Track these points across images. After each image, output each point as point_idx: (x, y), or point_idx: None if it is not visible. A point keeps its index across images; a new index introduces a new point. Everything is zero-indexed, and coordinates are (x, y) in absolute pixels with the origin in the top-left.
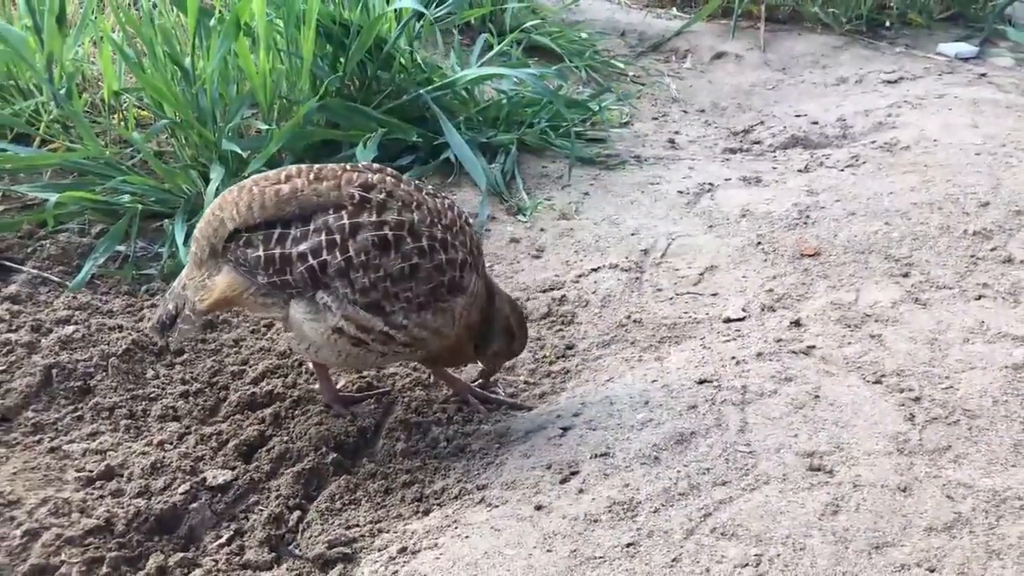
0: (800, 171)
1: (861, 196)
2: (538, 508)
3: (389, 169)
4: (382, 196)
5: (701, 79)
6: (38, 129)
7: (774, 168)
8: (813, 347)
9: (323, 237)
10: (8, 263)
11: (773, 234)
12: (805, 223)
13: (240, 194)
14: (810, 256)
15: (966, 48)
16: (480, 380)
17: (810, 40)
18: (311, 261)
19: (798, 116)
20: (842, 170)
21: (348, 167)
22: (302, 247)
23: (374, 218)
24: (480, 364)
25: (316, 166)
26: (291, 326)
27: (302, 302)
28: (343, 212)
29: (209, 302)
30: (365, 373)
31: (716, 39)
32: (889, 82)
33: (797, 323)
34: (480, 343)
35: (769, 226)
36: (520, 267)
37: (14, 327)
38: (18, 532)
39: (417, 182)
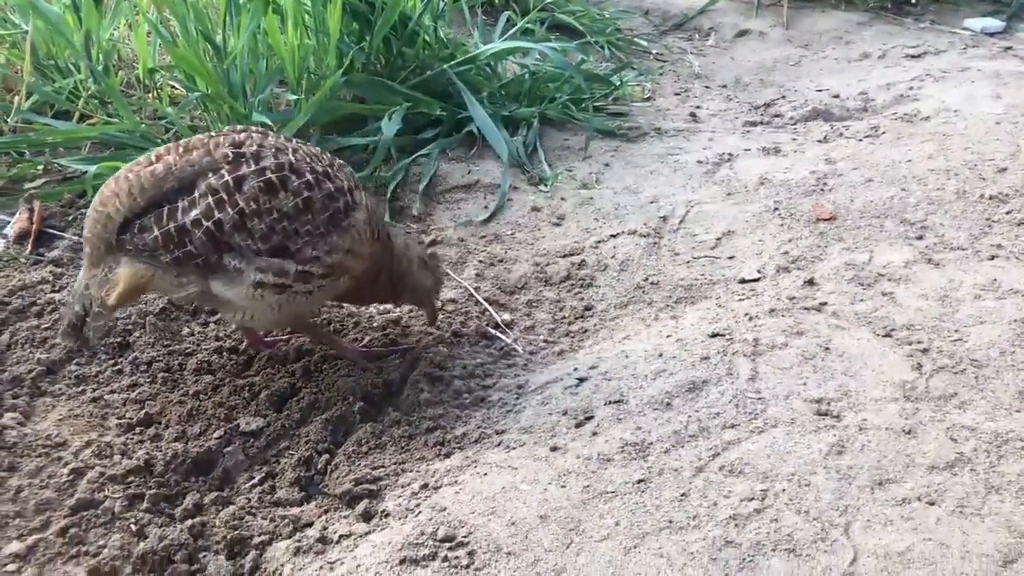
0: (819, 141)
1: (879, 164)
2: (553, 449)
3: (253, 127)
4: (254, 148)
5: (724, 56)
6: (77, 105)
7: (793, 139)
8: (825, 304)
9: (210, 199)
10: (51, 230)
11: (790, 200)
12: (822, 190)
13: (118, 184)
14: (826, 220)
15: (992, 23)
16: (427, 322)
17: (834, 17)
18: (206, 224)
19: (820, 91)
20: (861, 140)
21: (212, 133)
22: (193, 214)
23: (253, 167)
24: (414, 309)
25: (182, 140)
26: (215, 301)
27: (219, 275)
28: (222, 171)
29: (117, 294)
30: (389, 334)
31: (739, 17)
32: (913, 56)
33: (811, 282)
34: (397, 283)
35: (787, 193)
36: (541, 234)
37: (57, 288)
38: (65, 470)
39: (285, 136)
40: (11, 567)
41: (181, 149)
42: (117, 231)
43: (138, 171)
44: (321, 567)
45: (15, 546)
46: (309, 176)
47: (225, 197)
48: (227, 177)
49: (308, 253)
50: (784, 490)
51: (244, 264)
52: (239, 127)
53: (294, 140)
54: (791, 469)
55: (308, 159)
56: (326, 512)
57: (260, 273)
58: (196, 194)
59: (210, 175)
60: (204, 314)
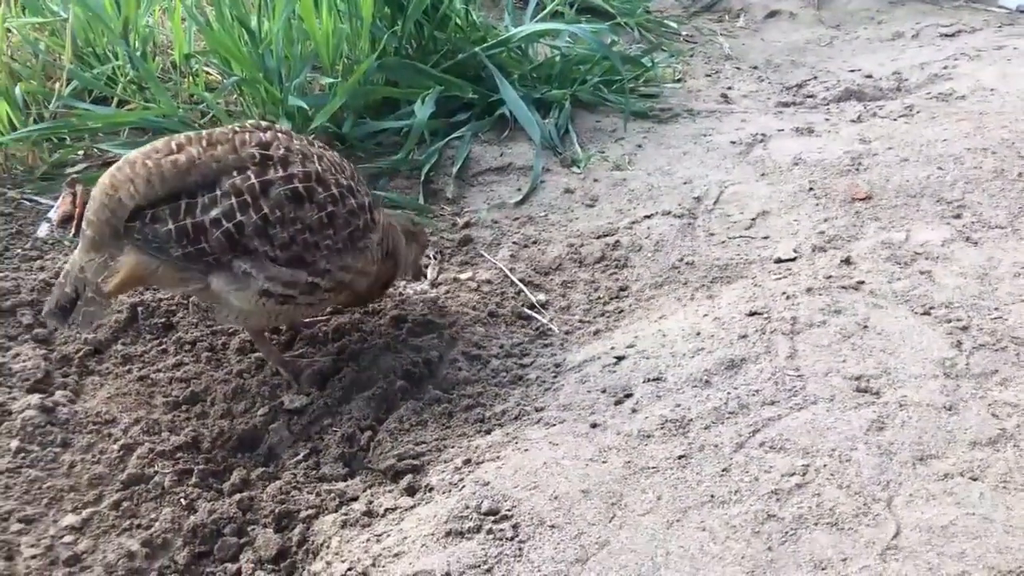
0: (853, 121)
1: (914, 143)
2: (593, 426)
3: (278, 126)
4: (281, 151)
5: (754, 37)
6: (115, 91)
7: (827, 119)
8: (863, 283)
9: (234, 200)
10: None
11: (825, 180)
12: (857, 169)
13: (133, 170)
14: (861, 200)
15: None
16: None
17: None
18: (226, 224)
19: (852, 71)
20: (895, 120)
21: (237, 128)
22: (214, 213)
23: (281, 172)
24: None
25: (204, 132)
26: (214, 298)
27: (222, 274)
28: (248, 172)
29: (116, 283)
30: (427, 315)
31: None
32: (946, 35)
33: (847, 261)
34: (393, 268)
35: (821, 173)
36: (575, 216)
37: None
38: (115, 446)
39: (309, 137)
40: (68, 539)
41: (205, 142)
42: (127, 218)
43: (158, 159)
44: (368, 539)
45: (71, 519)
46: (335, 190)
47: (250, 200)
48: (253, 180)
49: (321, 266)
50: (825, 465)
51: (255, 270)
52: (263, 124)
53: (316, 144)
54: (832, 445)
55: (333, 169)
56: (370, 487)
57: (269, 282)
58: (218, 192)
59: (235, 174)
60: None
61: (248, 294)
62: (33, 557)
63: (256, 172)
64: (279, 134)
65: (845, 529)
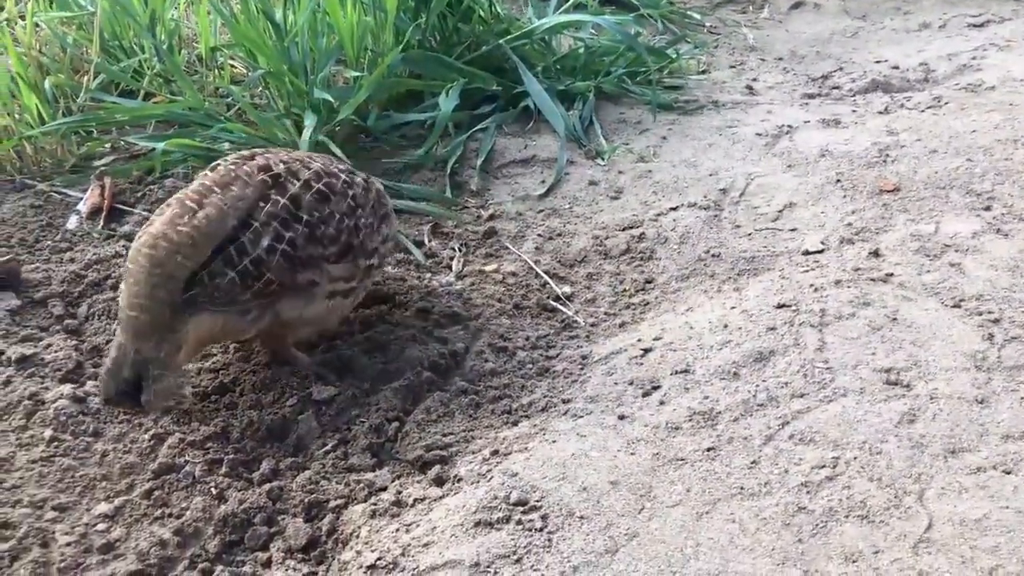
0: (880, 113)
1: (942, 135)
2: (621, 418)
3: (257, 149)
4: (282, 167)
5: (779, 28)
6: (141, 84)
7: (853, 111)
8: (891, 275)
9: (275, 223)
10: (121, 206)
11: (852, 172)
12: (885, 161)
13: (171, 241)
14: (889, 192)
15: None
16: None
17: None
18: (281, 246)
19: (878, 62)
20: (923, 111)
21: (231, 163)
22: (264, 242)
23: (297, 183)
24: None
25: (206, 180)
26: (285, 325)
27: (288, 299)
28: (271, 195)
29: (186, 353)
30: (452, 307)
31: None
32: (975, 26)
33: (876, 253)
34: None
35: (848, 165)
36: (599, 208)
37: None
38: (146, 436)
39: (284, 149)
40: (101, 526)
41: (218, 187)
42: (183, 289)
43: (188, 221)
44: (397, 529)
45: (104, 507)
46: (344, 176)
47: (288, 217)
48: (282, 200)
49: (369, 246)
50: (855, 458)
51: (317, 276)
52: (245, 153)
53: (286, 150)
54: (862, 437)
55: (324, 162)
56: (399, 477)
57: (332, 283)
58: (256, 224)
59: (261, 204)
60: None
61: (318, 303)
62: (68, 544)
63: (277, 192)
64: (266, 155)
65: (876, 522)
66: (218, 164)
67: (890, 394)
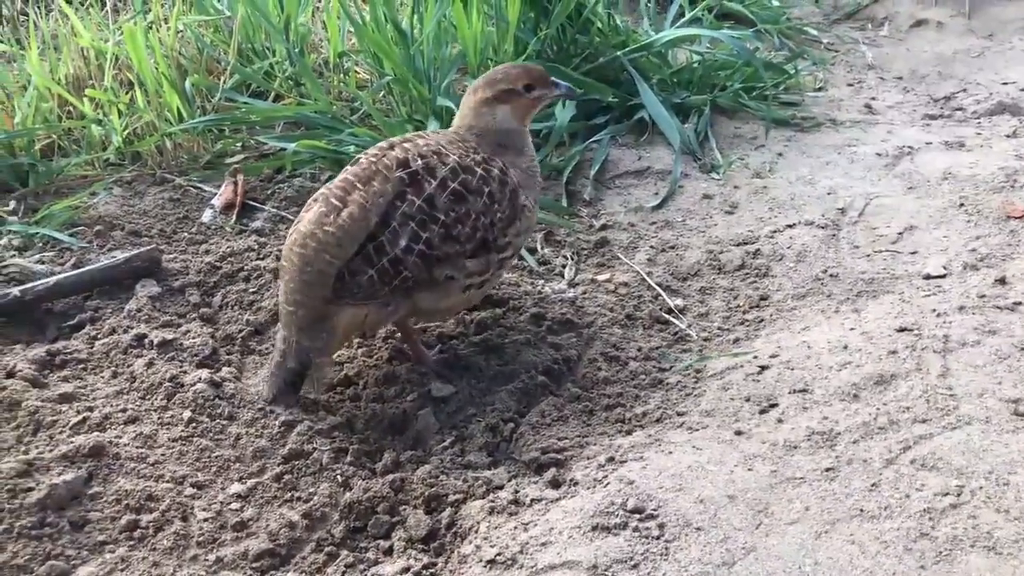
0: (1007, 136)
1: None
2: (738, 433)
3: (396, 138)
4: (420, 163)
5: (899, 47)
6: (272, 85)
7: (978, 133)
8: (1019, 303)
9: (412, 224)
10: (252, 202)
11: (977, 196)
12: (1012, 186)
13: (319, 240)
14: (1018, 219)
15: None
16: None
17: (1021, 5)
18: (417, 247)
19: (1005, 84)
20: None
21: (372, 155)
22: (402, 242)
23: (434, 183)
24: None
25: (348, 174)
26: (422, 314)
27: (426, 292)
28: (407, 195)
29: (337, 342)
30: (566, 314)
31: (916, 6)
32: None
33: (1002, 281)
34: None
35: (973, 188)
36: (713, 222)
37: (262, 256)
38: (276, 423)
39: (424, 132)
40: (235, 505)
41: (359, 184)
42: (331, 287)
43: (334, 221)
44: (515, 527)
45: (237, 487)
46: (479, 169)
47: (425, 218)
48: (417, 201)
49: (503, 241)
50: (981, 487)
51: (455, 273)
52: (383, 143)
53: (428, 133)
54: (988, 467)
55: (463, 152)
56: (515, 477)
57: (468, 278)
58: (394, 224)
59: (398, 203)
60: None
61: (454, 295)
62: (205, 520)
63: (413, 192)
64: (404, 144)
65: (1004, 554)
66: (360, 157)
67: (1018, 425)
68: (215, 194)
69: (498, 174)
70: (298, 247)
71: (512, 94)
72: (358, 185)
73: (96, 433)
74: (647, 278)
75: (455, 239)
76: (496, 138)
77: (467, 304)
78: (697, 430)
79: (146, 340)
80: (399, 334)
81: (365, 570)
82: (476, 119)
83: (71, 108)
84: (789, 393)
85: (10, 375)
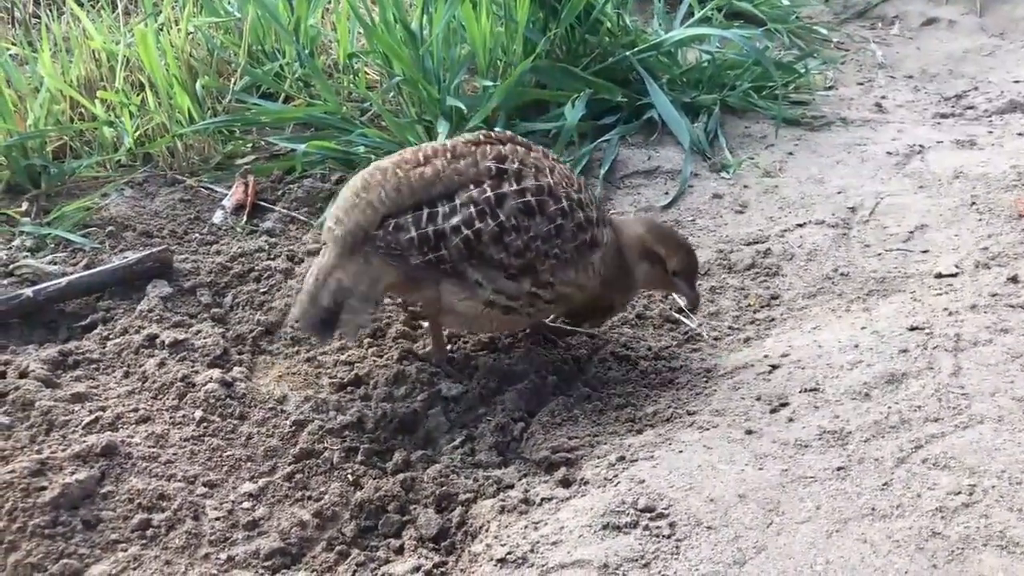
0: (1019, 135)
1: None
2: (748, 432)
3: (518, 137)
4: (516, 165)
5: (909, 45)
6: (282, 87)
7: (990, 132)
8: None
9: (472, 209)
10: (263, 203)
11: (988, 195)
12: None
13: (384, 177)
14: None
15: None
16: (688, 307)
17: None
18: (466, 231)
19: (1017, 82)
20: None
21: (482, 138)
22: (454, 221)
23: (515, 186)
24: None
25: (449, 143)
26: (441, 305)
27: (452, 283)
28: (484, 185)
29: (368, 289)
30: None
31: (926, 4)
32: None
33: (1014, 279)
34: (619, 287)
35: (984, 187)
36: (723, 221)
37: (272, 256)
38: (287, 422)
39: (544, 149)
40: (246, 504)
41: (450, 155)
42: (376, 224)
43: (408, 169)
44: (526, 526)
45: (248, 486)
46: (564, 203)
47: (487, 210)
48: (489, 193)
49: (546, 279)
50: (994, 487)
51: (485, 281)
52: (505, 135)
53: (551, 156)
54: (1000, 466)
55: (564, 183)
56: (525, 476)
57: (496, 294)
58: (457, 202)
59: (471, 187)
60: None
61: (474, 303)
62: (217, 519)
63: (491, 185)
64: (517, 147)
65: (1017, 553)
66: (465, 135)
67: None
68: (226, 195)
69: (582, 219)
70: (366, 172)
71: (662, 265)
72: (448, 155)
73: (108, 433)
74: None
75: (503, 246)
76: (617, 267)
77: (486, 323)
78: (708, 429)
79: (158, 340)
80: (408, 331)
81: (376, 569)
82: (623, 238)
83: (83, 110)
84: (800, 392)
85: (23, 375)
